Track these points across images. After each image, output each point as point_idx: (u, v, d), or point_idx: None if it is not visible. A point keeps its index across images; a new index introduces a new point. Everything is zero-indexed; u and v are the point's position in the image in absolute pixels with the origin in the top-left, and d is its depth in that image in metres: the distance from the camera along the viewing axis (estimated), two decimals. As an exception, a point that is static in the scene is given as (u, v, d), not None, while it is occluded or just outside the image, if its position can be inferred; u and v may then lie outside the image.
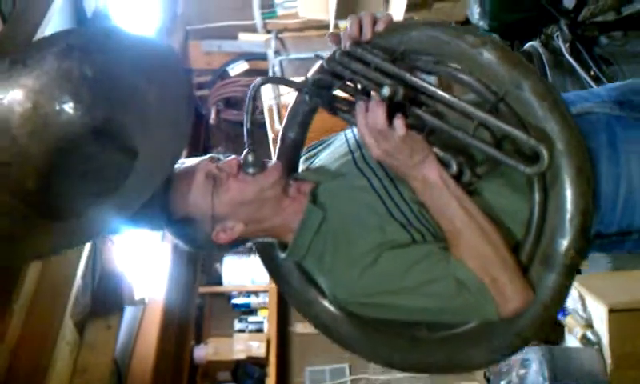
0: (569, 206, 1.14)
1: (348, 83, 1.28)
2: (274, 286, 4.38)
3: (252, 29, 4.69)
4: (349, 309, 1.32)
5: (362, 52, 1.24)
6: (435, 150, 1.21)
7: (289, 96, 3.97)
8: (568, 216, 1.14)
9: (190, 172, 1.30)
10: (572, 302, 2.18)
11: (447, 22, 1.33)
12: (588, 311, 2.06)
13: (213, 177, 1.29)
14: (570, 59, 2.26)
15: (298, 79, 1.37)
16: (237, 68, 4.80)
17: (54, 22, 2.39)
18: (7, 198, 1.33)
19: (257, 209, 1.31)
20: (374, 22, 1.28)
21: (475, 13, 3.44)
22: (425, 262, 1.21)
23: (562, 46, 2.29)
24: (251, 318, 4.52)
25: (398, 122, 1.16)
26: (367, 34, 1.27)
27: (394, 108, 1.18)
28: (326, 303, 1.39)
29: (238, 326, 4.49)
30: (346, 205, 1.31)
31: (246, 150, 1.29)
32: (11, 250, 1.27)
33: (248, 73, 4.83)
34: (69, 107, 1.42)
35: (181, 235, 1.35)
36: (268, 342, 4.27)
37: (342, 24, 4.19)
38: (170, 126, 1.30)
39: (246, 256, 4.57)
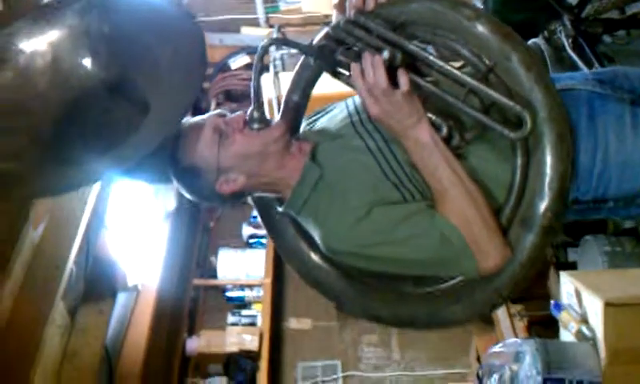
0: (548, 170, 1.24)
1: (351, 49, 1.36)
2: (268, 280, 4.38)
3: (255, 23, 4.69)
4: (341, 259, 1.41)
5: (364, 20, 1.34)
6: (428, 114, 1.31)
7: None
8: (547, 179, 1.24)
9: (199, 125, 1.40)
10: (567, 297, 2.18)
11: None
12: (583, 306, 2.06)
13: (220, 130, 1.38)
14: (572, 54, 2.26)
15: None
16: (238, 61, 4.80)
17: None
18: (25, 142, 1.43)
19: (259, 162, 1.40)
20: None
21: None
22: (413, 218, 1.30)
23: (564, 41, 2.29)
24: (245, 312, 4.50)
25: (403, 78, 1.26)
26: (370, 5, 1.36)
27: (392, 72, 1.28)
28: (318, 260, 1.48)
29: (231, 319, 4.46)
30: (343, 163, 1.40)
31: (251, 107, 1.38)
32: (20, 189, 1.38)
33: (249, 66, 4.82)
34: (86, 61, 1.51)
35: (186, 184, 1.44)
36: (261, 336, 4.25)
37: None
38: (182, 83, 1.39)
39: (241, 250, 4.56)
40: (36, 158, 1.41)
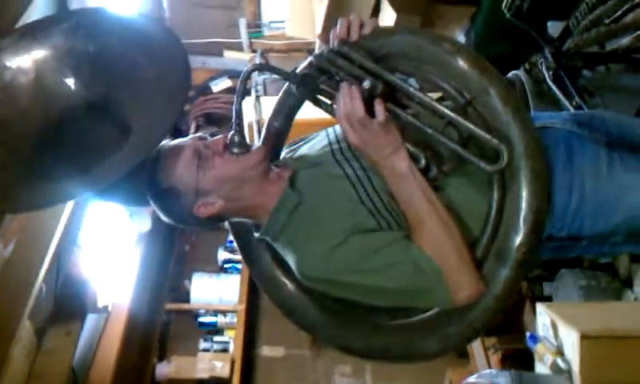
0: (524, 204, 1.26)
1: (332, 78, 1.38)
2: (242, 306, 4.33)
3: (238, 47, 4.69)
4: (315, 287, 1.40)
5: (347, 50, 1.36)
6: (406, 144, 1.32)
7: (268, 113, 3.96)
8: (522, 214, 1.26)
9: (179, 147, 1.40)
10: (543, 329, 2.17)
11: (427, 30, 1.42)
12: (559, 338, 2.06)
13: (199, 153, 1.38)
14: (553, 86, 2.28)
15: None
16: (220, 84, 4.79)
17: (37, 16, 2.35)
18: (2, 154, 1.44)
19: (237, 187, 1.39)
20: (362, 25, 1.40)
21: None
22: (389, 248, 1.31)
23: (545, 73, 2.31)
24: (217, 338, 4.44)
25: (379, 107, 1.28)
26: (354, 36, 1.39)
27: (372, 102, 1.30)
28: (293, 288, 1.48)
29: (203, 345, 4.39)
30: (321, 190, 1.40)
31: (232, 131, 1.39)
32: (2, 200, 1.38)
33: (231, 90, 4.81)
34: (70, 81, 1.52)
35: (164, 206, 1.43)
36: (232, 363, 4.18)
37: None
38: (163, 106, 1.41)
39: (215, 275, 4.51)
40: (14, 172, 1.41)
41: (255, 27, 4.63)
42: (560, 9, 2.48)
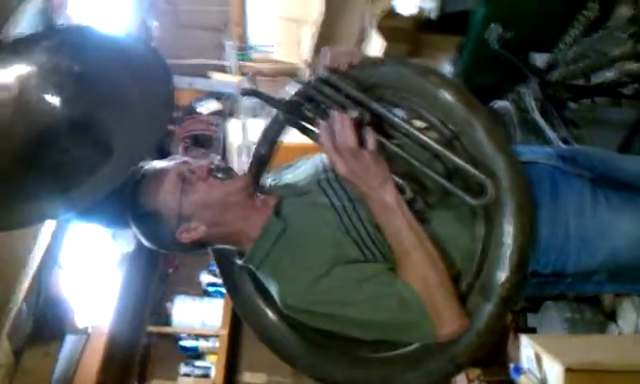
0: (509, 240, 1.26)
1: (320, 106, 1.38)
2: (225, 331, 4.28)
3: (225, 69, 4.69)
4: (297, 317, 1.38)
5: (335, 79, 1.36)
6: (393, 176, 1.31)
7: (255, 136, 3.97)
8: (507, 250, 1.26)
9: (162, 171, 1.39)
10: (527, 361, 2.17)
11: (415, 61, 1.42)
12: (543, 371, 2.06)
13: (183, 177, 1.37)
14: (538, 117, 2.30)
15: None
16: (207, 106, 4.77)
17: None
18: None
19: (220, 212, 1.38)
20: (350, 54, 1.40)
21: (447, 72, 3.50)
22: (374, 279, 1.29)
23: (531, 104, 2.33)
24: (198, 363, 4.39)
25: (371, 136, 1.27)
26: (342, 66, 1.38)
27: (359, 131, 1.29)
28: (275, 318, 1.46)
29: (183, 369, 4.35)
30: (306, 219, 1.39)
31: (217, 157, 1.34)
32: None
33: (218, 112, 4.80)
34: (52, 98, 1.50)
35: (145, 230, 1.41)
36: (214, 389, 4.13)
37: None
38: (146, 126, 1.40)
39: (199, 298, 4.47)
40: None
41: (242, 50, 4.64)
42: (544, 41, 2.51)
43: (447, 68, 3.51)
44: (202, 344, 4.45)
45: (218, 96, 4.77)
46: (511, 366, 2.23)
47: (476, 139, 1.29)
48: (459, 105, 1.31)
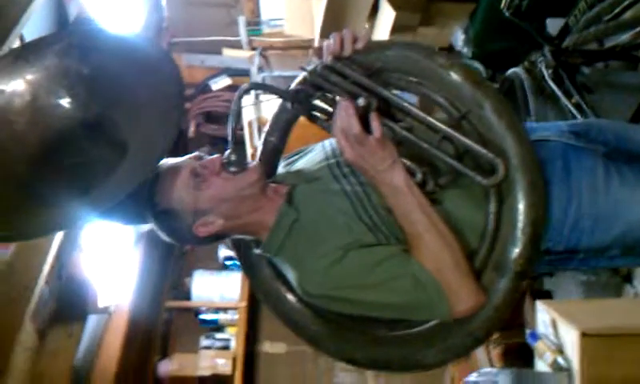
0: (521, 216, 1.27)
1: (327, 94, 1.39)
2: (243, 303, 4.33)
3: (237, 45, 4.69)
4: (316, 302, 1.41)
5: (341, 66, 1.36)
6: (403, 159, 1.32)
7: (268, 112, 3.97)
8: (520, 226, 1.27)
9: (176, 168, 1.40)
10: (543, 326, 2.19)
11: (421, 43, 1.51)
12: (559, 336, 2.07)
13: (197, 173, 1.39)
14: (552, 85, 2.29)
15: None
16: (219, 83, 4.78)
17: (35, 22, 2.35)
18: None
19: (236, 205, 1.40)
20: (355, 39, 1.39)
21: (459, 39, 3.48)
22: (388, 262, 1.31)
23: (544, 72, 2.31)
24: (218, 335, 4.45)
25: (375, 123, 1.28)
26: (347, 50, 1.38)
27: (367, 118, 1.30)
28: (295, 301, 1.48)
29: (204, 342, 4.42)
30: (319, 206, 1.41)
31: (229, 150, 1.39)
32: (3, 229, 1.37)
33: (231, 88, 4.81)
34: (65, 102, 1.51)
35: (164, 227, 1.43)
36: (234, 360, 4.20)
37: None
38: (159, 124, 1.40)
39: (216, 272, 4.51)
40: (12, 198, 1.40)
41: (254, 25, 4.62)
42: (559, 6, 2.47)
43: (459, 35, 3.49)
44: (221, 317, 4.51)
45: (230, 72, 4.78)
46: (527, 331, 2.25)
47: (485, 118, 1.29)
48: (467, 85, 1.31)
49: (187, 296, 4.49)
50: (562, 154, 1.43)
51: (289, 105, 1.45)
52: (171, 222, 1.41)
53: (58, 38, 1.57)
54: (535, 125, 1.55)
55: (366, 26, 3.62)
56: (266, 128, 1.57)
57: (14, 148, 1.47)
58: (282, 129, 1.55)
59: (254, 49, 4.66)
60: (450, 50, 4.15)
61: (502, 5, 2.37)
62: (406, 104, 1.31)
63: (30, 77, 1.51)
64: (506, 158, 1.25)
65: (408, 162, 1.32)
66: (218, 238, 1.46)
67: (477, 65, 3.33)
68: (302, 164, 1.55)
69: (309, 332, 1.50)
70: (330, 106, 1.38)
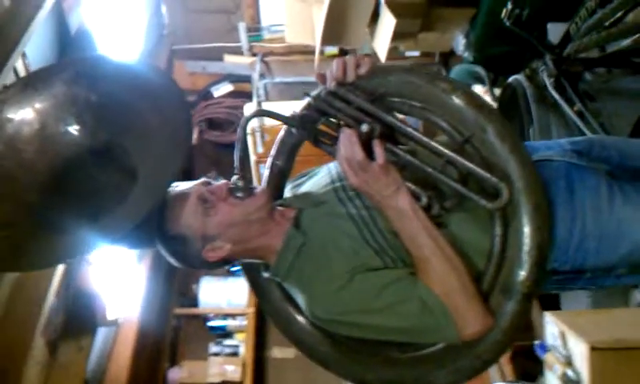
0: (526, 239, 1.28)
1: (332, 119, 1.41)
2: (251, 309, 4.35)
3: (238, 51, 4.70)
4: (324, 326, 1.43)
5: (344, 92, 1.38)
6: (407, 183, 1.34)
7: (270, 119, 3.98)
8: (526, 249, 1.28)
9: (184, 194, 1.42)
10: (552, 338, 2.19)
11: (423, 68, 1.44)
12: (568, 348, 2.08)
13: (204, 199, 1.41)
14: (555, 94, 2.29)
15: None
16: (221, 89, 4.80)
17: (37, 38, 2.37)
18: (10, 208, 1.45)
19: (244, 230, 1.42)
20: (357, 65, 1.40)
21: (460, 44, 3.49)
22: (395, 285, 1.32)
23: (546, 80, 2.32)
24: (227, 342, 4.48)
25: (379, 150, 1.30)
26: (350, 76, 1.39)
27: (371, 143, 1.32)
28: (304, 322, 1.49)
29: (213, 349, 4.45)
30: (325, 230, 1.42)
31: (236, 176, 1.41)
32: (17, 258, 1.38)
33: (232, 94, 4.82)
34: (73, 129, 1.53)
35: (172, 252, 1.45)
36: (243, 366, 4.22)
37: (328, 50, 4.19)
38: (168, 152, 1.41)
39: (223, 278, 4.53)
40: (24, 225, 1.41)
41: (255, 31, 4.64)
42: (560, 13, 2.48)
43: (460, 40, 3.50)
44: (229, 323, 4.54)
45: (232, 79, 4.80)
46: (536, 342, 2.26)
47: (488, 142, 1.30)
48: (469, 109, 1.32)
49: (195, 303, 4.52)
50: (565, 173, 1.43)
51: (294, 130, 1.47)
52: (180, 248, 1.43)
53: (65, 67, 1.58)
54: (537, 144, 1.55)
55: (367, 30, 3.64)
56: (272, 152, 1.59)
57: (24, 176, 1.49)
58: (287, 152, 1.57)
59: (254, 55, 4.68)
60: (450, 54, 4.17)
61: (503, 15, 2.38)
62: (409, 129, 1.33)
63: (38, 105, 1.53)
64: (509, 181, 1.26)
65: (413, 187, 1.33)
66: (226, 262, 1.47)
67: (478, 69, 3.34)
68: (308, 187, 1.57)
69: (319, 354, 1.51)
70: (335, 130, 1.40)
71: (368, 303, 1.33)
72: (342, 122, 1.38)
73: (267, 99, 4.40)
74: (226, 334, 4.55)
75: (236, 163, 1.41)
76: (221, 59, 4.81)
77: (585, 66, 2.39)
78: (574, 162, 1.45)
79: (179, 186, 1.45)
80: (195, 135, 4.74)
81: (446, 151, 1.29)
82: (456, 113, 1.33)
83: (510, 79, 2.67)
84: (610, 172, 1.45)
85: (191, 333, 4.67)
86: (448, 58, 4.40)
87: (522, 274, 1.28)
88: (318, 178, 1.56)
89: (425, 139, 1.31)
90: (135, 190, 1.39)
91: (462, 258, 1.32)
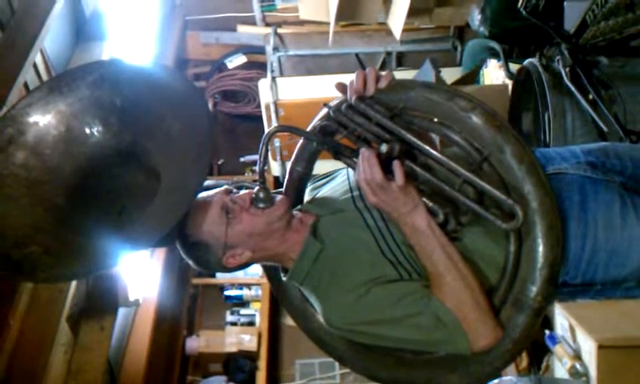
0: (539, 257, 1.32)
1: (352, 132, 1.43)
2: (266, 279, 4.40)
3: (251, 21, 4.68)
4: (340, 334, 1.48)
5: (364, 107, 1.40)
6: (424, 199, 1.36)
7: (285, 93, 3.96)
8: (538, 266, 1.32)
9: (207, 203, 1.45)
10: (562, 330, 2.22)
11: (443, 84, 1.44)
12: (577, 342, 2.11)
13: (227, 209, 1.44)
14: (570, 85, 2.27)
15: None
16: (235, 61, 4.79)
17: (54, 25, 2.38)
18: (41, 212, 1.49)
19: (264, 239, 1.46)
20: (377, 78, 1.42)
21: (476, 19, 3.45)
22: (410, 297, 1.37)
23: (562, 71, 2.31)
24: (243, 311, 4.57)
25: (398, 171, 1.32)
26: (370, 90, 1.42)
27: (389, 161, 1.34)
28: (322, 321, 1.53)
29: (229, 318, 4.54)
30: (343, 240, 1.46)
31: (257, 187, 1.45)
32: (50, 264, 1.42)
33: (246, 66, 4.81)
34: (98, 132, 1.57)
35: (194, 257, 1.50)
36: (259, 336, 4.31)
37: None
38: (191, 157, 1.45)
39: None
40: (54, 231, 1.45)
41: (268, 1, 4.60)
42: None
43: (476, 15, 3.45)
44: (245, 293, 4.62)
45: (245, 50, 4.78)
46: (546, 333, 2.29)
47: (505, 162, 1.32)
48: (487, 127, 1.34)
49: (212, 273, 4.59)
50: (579, 188, 1.45)
51: (314, 144, 1.50)
52: (201, 254, 1.47)
53: (90, 70, 1.61)
54: (551, 152, 1.55)
55: (382, 6, 3.60)
56: (292, 159, 1.62)
57: (51, 180, 1.53)
58: (307, 159, 1.60)
59: (268, 25, 4.65)
60: (466, 29, 4.12)
61: (519, 4, 2.35)
62: (428, 148, 1.35)
63: (63, 108, 1.56)
64: (525, 202, 1.29)
65: (430, 203, 1.36)
66: (246, 266, 1.52)
67: (493, 44, 3.31)
68: (326, 191, 1.60)
69: (336, 351, 1.57)
70: (354, 143, 1.42)
71: (383, 315, 1.37)
72: (361, 136, 1.40)
73: (281, 73, 4.39)
74: (242, 303, 4.64)
75: (258, 175, 1.44)
76: (234, 30, 4.79)
77: (600, 53, 2.36)
78: (589, 175, 1.46)
79: (202, 194, 1.48)
80: (210, 107, 4.75)
81: (464, 171, 1.31)
82: (474, 131, 1.35)
83: (526, 62, 2.65)
84: (623, 183, 1.46)
85: (208, 302, 4.76)
86: (463, 31, 4.36)
87: (534, 289, 1.32)
88: (337, 184, 1.59)
89: (444, 159, 1.34)
90: (160, 200, 1.43)
91: (476, 272, 1.36)
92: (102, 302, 2.92)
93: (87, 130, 1.55)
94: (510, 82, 3.05)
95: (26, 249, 1.41)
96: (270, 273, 1.63)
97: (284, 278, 1.53)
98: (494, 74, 3.48)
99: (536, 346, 2.47)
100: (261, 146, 1.41)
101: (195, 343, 4.31)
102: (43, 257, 1.41)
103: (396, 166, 1.32)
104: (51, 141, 1.53)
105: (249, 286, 4.62)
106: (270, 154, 3.87)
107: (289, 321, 4.65)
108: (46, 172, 1.52)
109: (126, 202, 1.51)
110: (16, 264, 1.40)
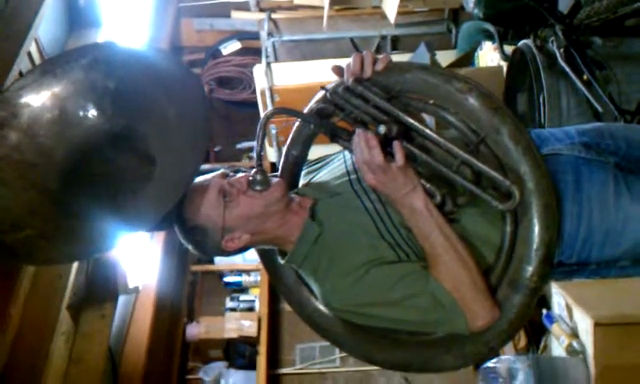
0: (535, 237, 1.33)
1: (349, 114, 1.43)
2: (264, 265, 4.42)
3: (245, 7, 4.66)
4: (338, 315, 1.49)
5: (362, 90, 1.40)
6: (422, 181, 1.37)
7: (280, 79, 3.95)
8: (534, 246, 1.33)
9: (204, 186, 1.46)
10: (558, 309, 2.24)
11: (439, 66, 1.43)
12: (574, 321, 2.13)
13: (224, 192, 1.44)
14: (564, 66, 2.28)
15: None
16: (230, 47, 4.77)
17: (48, 13, 2.37)
18: (34, 195, 1.48)
19: (262, 222, 1.46)
20: (375, 61, 1.42)
21: (470, 1, 3.44)
22: (408, 279, 1.38)
23: (556, 51, 2.31)
24: (243, 297, 4.58)
25: (399, 153, 1.32)
26: (368, 72, 1.41)
27: (388, 142, 1.34)
28: (318, 304, 1.56)
29: (229, 304, 4.54)
30: (341, 222, 1.46)
31: (254, 170, 1.45)
32: (46, 247, 1.42)
33: (241, 52, 4.80)
34: (92, 114, 1.56)
35: (192, 241, 1.50)
36: (259, 321, 4.32)
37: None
38: (188, 140, 1.45)
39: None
40: (49, 214, 1.44)
41: (261, -15, 4.58)
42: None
43: (470, -2, 3.45)
44: (244, 279, 4.63)
45: (240, 36, 4.77)
46: (544, 312, 2.31)
47: (502, 143, 1.33)
48: (484, 110, 1.34)
49: (211, 259, 4.60)
50: (574, 168, 1.46)
51: (311, 126, 1.50)
52: (199, 237, 1.48)
53: (83, 53, 1.60)
54: (546, 133, 1.56)
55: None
56: (287, 142, 1.62)
57: (45, 163, 1.52)
58: (303, 143, 1.60)
59: (262, 10, 4.63)
60: (460, 11, 4.11)
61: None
62: (426, 130, 1.35)
63: (57, 91, 1.55)
64: (521, 182, 1.30)
65: (427, 185, 1.36)
66: (245, 249, 1.52)
67: (488, 26, 3.31)
68: (323, 175, 1.60)
69: (332, 334, 1.58)
70: (351, 125, 1.42)
71: (382, 296, 1.38)
72: (358, 118, 1.40)
73: (276, 58, 4.38)
74: (241, 289, 4.65)
75: (255, 158, 1.45)
76: (228, 16, 4.77)
77: (595, 33, 2.37)
78: (583, 155, 1.47)
79: (199, 178, 1.49)
80: (206, 91, 4.74)
81: (461, 153, 1.32)
82: (471, 113, 1.35)
83: (520, 44, 2.65)
84: (617, 163, 1.47)
85: (207, 289, 4.77)
86: (457, 14, 4.36)
87: (530, 269, 1.33)
88: (333, 167, 1.59)
89: (442, 140, 1.34)
90: (157, 183, 1.43)
91: (473, 252, 1.37)
92: (102, 289, 2.92)
93: (81, 113, 1.54)
94: (504, 64, 3.05)
95: (21, 232, 1.41)
96: (265, 257, 1.63)
97: (282, 261, 1.53)
98: (488, 56, 3.48)
99: (534, 326, 2.49)
100: (258, 128, 1.41)
101: (195, 330, 4.32)
102: (38, 240, 1.41)
103: (396, 146, 1.32)
104: (45, 123, 1.52)
105: (248, 272, 4.63)
106: (266, 140, 3.89)
107: (288, 306, 4.67)
108: (40, 155, 1.51)
109: (120, 184, 1.50)
110: (10, 248, 1.40)
